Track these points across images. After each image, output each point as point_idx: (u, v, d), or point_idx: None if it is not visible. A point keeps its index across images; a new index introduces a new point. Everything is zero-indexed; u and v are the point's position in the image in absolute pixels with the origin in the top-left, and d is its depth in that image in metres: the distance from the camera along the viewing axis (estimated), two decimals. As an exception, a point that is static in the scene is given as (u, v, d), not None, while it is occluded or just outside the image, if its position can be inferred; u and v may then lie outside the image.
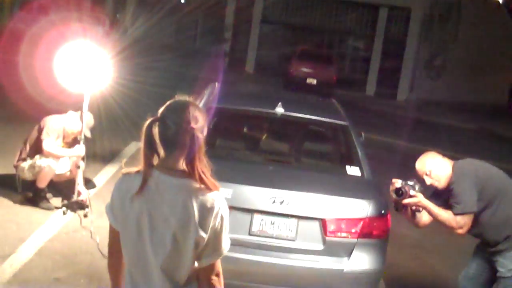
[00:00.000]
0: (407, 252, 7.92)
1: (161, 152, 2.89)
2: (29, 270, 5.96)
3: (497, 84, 29.60)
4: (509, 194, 5.11)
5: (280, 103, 6.56)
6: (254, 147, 6.63)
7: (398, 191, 4.93)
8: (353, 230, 5.37)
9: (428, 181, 5.13)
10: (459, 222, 4.93)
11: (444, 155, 5.25)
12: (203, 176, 2.83)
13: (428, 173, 5.11)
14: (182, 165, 2.87)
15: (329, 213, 5.37)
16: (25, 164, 7.58)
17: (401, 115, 23.40)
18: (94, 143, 8.89)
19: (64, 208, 7.48)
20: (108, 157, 10.27)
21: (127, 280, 2.98)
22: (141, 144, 2.89)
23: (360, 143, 6.54)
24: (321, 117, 6.93)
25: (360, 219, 5.38)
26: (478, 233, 5.20)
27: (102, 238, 6.65)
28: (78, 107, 7.67)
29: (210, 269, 2.90)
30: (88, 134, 7.75)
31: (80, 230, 7.08)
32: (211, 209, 2.82)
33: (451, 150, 8.68)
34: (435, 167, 5.09)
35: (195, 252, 2.85)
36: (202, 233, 2.81)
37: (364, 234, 5.39)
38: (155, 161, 2.89)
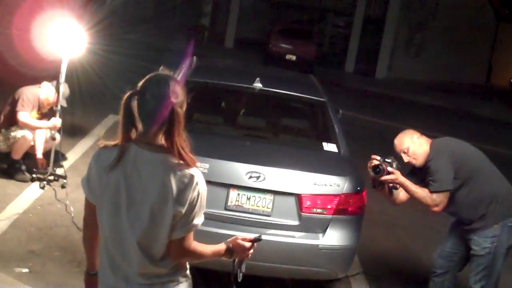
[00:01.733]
0: (382, 229, 7.97)
1: (140, 126, 2.84)
2: (3, 242, 5.92)
3: (476, 64, 29.77)
4: (485, 173, 5.16)
5: (258, 78, 6.53)
6: (231, 122, 6.60)
7: (375, 168, 4.94)
8: (328, 206, 5.38)
9: (405, 158, 5.15)
10: (435, 199, 4.97)
11: (422, 133, 5.27)
12: (182, 151, 2.79)
13: (405, 150, 5.12)
14: (161, 140, 2.82)
15: (305, 189, 5.38)
16: (0, 136, 7.49)
17: (380, 93, 23.44)
18: (71, 115, 8.80)
19: (44, 183, 7.42)
20: (85, 129, 10.19)
21: (103, 254, 2.96)
22: (119, 117, 2.85)
23: (338, 120, 6.55)
24: (299, 93, 6.91)
25: (336, 196, 5.39)
26: (453, 211, 5.24)
27: (77, 211, 6.63)
28: (52, 77, 7.60)
29: (181, 243, 2.86)
30: (65, 104, 7.68)
31: (55, 203, 7.04)
32: (189, 184, 2.79)
33: (429, 129, 8.69)
34: (413, 144, 5.11)
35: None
36: (180, 208, 2.78)
37: (340, 210, 5.40)
38: (133, 135, 2.85)
